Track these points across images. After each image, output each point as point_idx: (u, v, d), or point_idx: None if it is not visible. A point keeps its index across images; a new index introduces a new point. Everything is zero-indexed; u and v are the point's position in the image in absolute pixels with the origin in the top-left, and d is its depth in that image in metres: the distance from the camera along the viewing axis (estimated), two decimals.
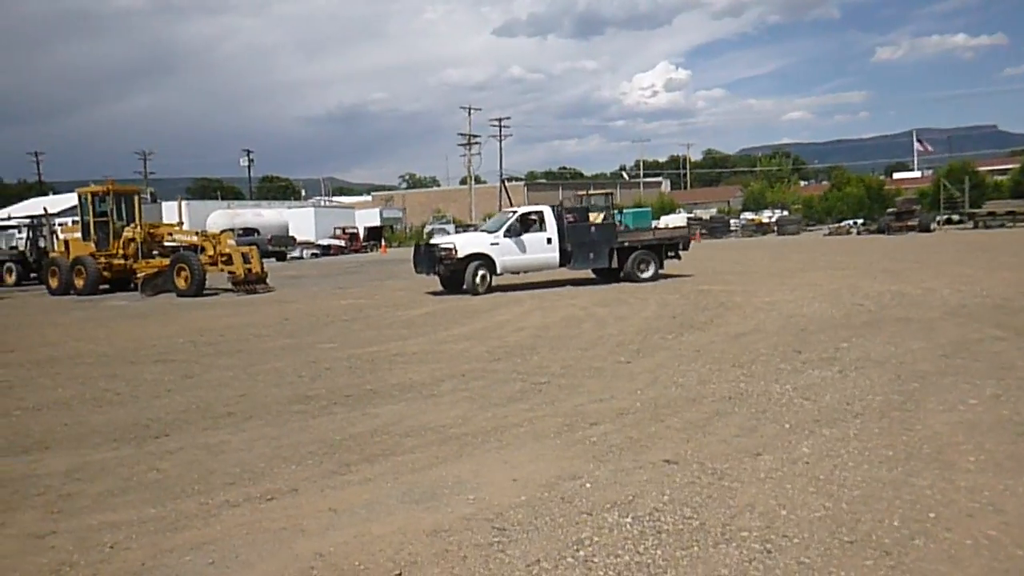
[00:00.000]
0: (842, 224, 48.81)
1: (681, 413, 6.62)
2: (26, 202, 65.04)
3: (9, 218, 44.87)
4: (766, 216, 57.74)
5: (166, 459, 5.99)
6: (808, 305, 13.20)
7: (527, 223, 18.91)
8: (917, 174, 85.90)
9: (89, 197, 25.03)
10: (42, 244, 30.62)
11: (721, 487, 4.81)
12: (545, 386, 7.94)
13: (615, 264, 19.34)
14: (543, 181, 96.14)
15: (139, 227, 24.29)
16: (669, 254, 20.09)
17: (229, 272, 22.07)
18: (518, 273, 19.52)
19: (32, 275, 30.29)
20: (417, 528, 4.38)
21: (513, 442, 6.02)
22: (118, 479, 5.56)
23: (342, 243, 52.15)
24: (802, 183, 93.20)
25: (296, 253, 47.10)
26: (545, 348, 10.31)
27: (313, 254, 48.44)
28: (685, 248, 20.63)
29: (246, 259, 22.06)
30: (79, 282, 23.97)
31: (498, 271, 18.52)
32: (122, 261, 24.32)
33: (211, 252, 22.27)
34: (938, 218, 46.01)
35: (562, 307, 14.84)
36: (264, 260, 23.77)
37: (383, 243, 54.36)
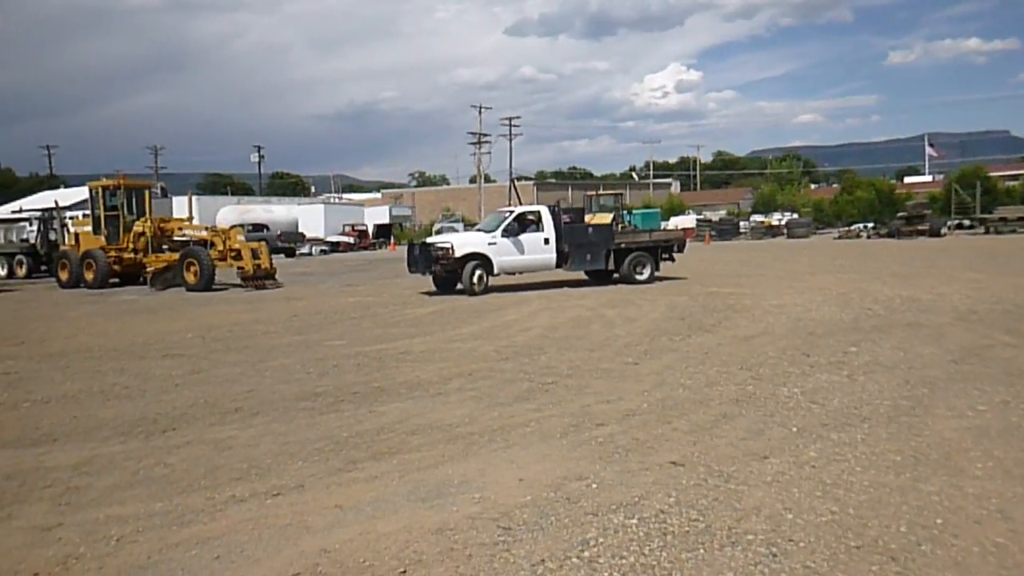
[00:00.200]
0: (852, 228, 48.61)
1: (688, 415, 6.60)
2: (37, 195, 65.31)
3: (20, 211, 45.10)
4: (776, 219, 57.57)
5: (173, 454, 6.02)
6: (817, 308, 13.15)
7: (524, 223, 18.62)
8: (928, 178, 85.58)
9: (100, 191, 25.13)
10: (53, 237, 30.77)
11: (728, 490, 4.80)
12: (552, 386, 7.94)
13: (612, 265, 19.15)
14: (553, 181, 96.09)
15: (149, 221, 24.38)
16: (664, 256, 19.90)
17: (238, 267, 22.13)
18: (514, 274, 19.28)
19: (43, 268, 30.45)
20: (423, 526, 4.39)
21: (519, 442, 6.02)
22: (125, 473, 5.59)
23: (351, 240, 52.23)
24: (812, 186, 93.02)
25: (305, 250, 47.20)
26: (553, 348, 10.31)
27: (322, 251, 48.52)
28: (680, 250, 20.47)
29: (255, 255, 22.10)
30: (89, 275, 24.08)
31: (495, 271, 18.25)
32: (132, 255, 24.42)
33: (221, 247, 22.33)
34: (949, 223, 45.77)
35: (570, 308, 14.83)
36: (273, 256, 23.81)
37: (392, 241, 54.43)
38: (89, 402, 8.00)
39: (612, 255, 19.08)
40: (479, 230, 19.71)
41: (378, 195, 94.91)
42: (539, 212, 18.98)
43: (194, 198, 29.99)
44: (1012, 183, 58.09)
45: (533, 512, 4.54)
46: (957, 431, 5.86)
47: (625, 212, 45.04)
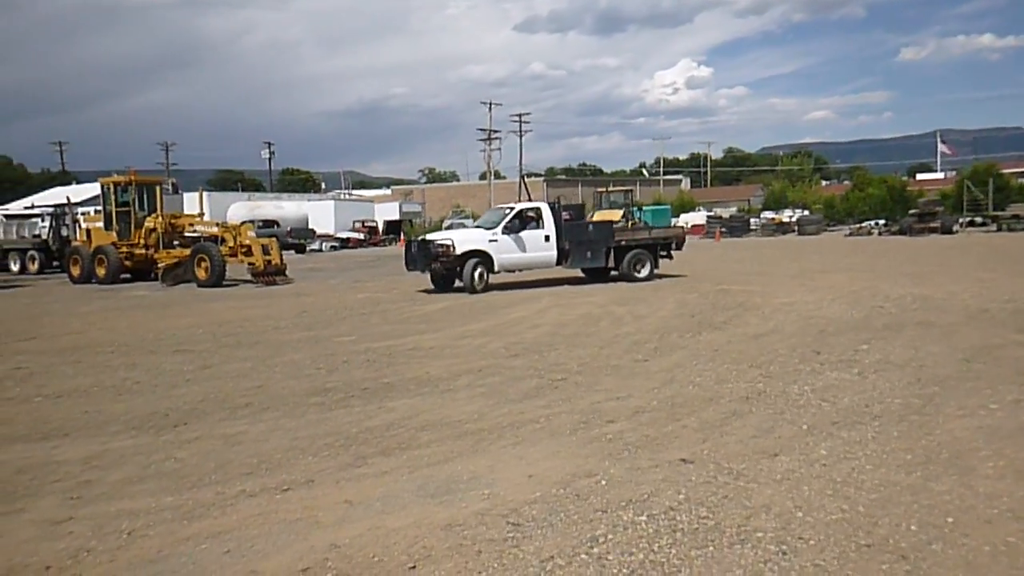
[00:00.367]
0: (863, 225, 48.35)
1: (698, 412, 6.59)
2: (49, 191, 65.76)
3: (32, 207, 45.36)
4: (786, 215, 57.31)
5: (184, 448, 6.05)
6: (828, 306, 13.10)
7: (525, 220, 18.38)
8: (940, 175, 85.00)
9: (112, 187, 25.26)
10: (65, 233, 30.91)
11: (737, 487, 4.79)
12: (562, 383, 7.93)
13: (611, 263, 18.95)
14: (563, 177, 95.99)
15: (160, 217, 24.49)
16: (662, 254, 19.73)
17: (249, 263, 22.20)
18: (513, 272, 19.09)
19: (54, 263, 30.60)
20: (432, 522, 4.39)
21: (529, 438, 6.02)
22: (136, 467, 5.62)
23: (361, 236, 52.31)
24: (823, 183, 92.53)
25: (315, 246, 47.29)
26: (562, 345, 10.30)
27: (332, 247, 48.61)
28: (678, 248, 20.32)
29: (266, 251, 22.18)
30: (100, 271, 24.21)
31: (495, 269, 17.99)
32: (143, 251, 24.54)
33: (231, 243, 22.40)
34: (961, 220, 45.47)
35: (579, 305, 14.82)
36: (283, 252, 23.87)
37: (401, 237, 54.48)
38: (100, 397, 8.04)
39: (612, 252, 18.91)
40: (478, 227, 19.45)
41: (388, 191, 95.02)
42: (539, 209, 18.77)
43: (205, 194, 30.07)
44: None
45: (542, 508, 4.54)
46: (968, 430, 5.83)
47: (635, 209, 44.90)
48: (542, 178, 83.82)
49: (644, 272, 18.99)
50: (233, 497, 4.93)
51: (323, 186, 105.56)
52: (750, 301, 14.17)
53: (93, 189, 37.86)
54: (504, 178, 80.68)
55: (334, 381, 8.39)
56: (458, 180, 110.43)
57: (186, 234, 24.51)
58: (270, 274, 21.92)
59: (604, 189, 47.98)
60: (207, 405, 7.47)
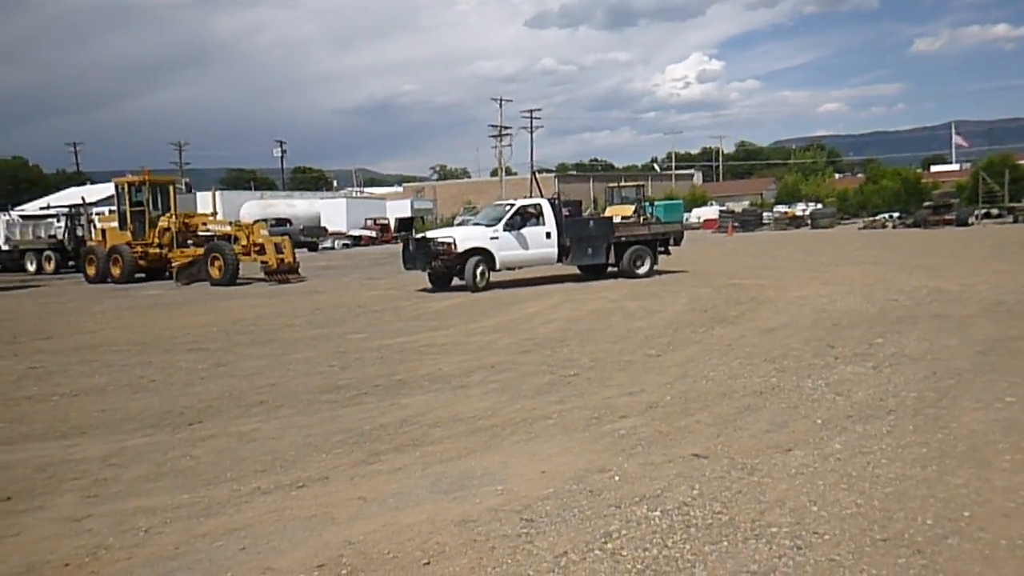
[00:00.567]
0: (877, 218, 48.05)
1: (711, 407, 6.57)
2: (64, 191, 66.18)
3: (48, 207, 45.70)
4: (799, 209, 57.01)
5: (199, 446, 6.09)
6: (841, 300, 13.03)
7: (525, 216, 18.05)
8: (955, 167, 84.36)
9: (126, 187, 25.42)
10: (80, 233, 31.14)
11: (751, 482, 4.78)
12: (574, 379, 7.93)
13: (612, 259, 18.70)
14: (574, 173, 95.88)
15: (174, 217, 24.63)
16: (660, 249, 19.51)
17: (262, 262, 22.30)
18: (514, 269, 18.72)
19: (70, 263, 30.84)
20: (445, 518, 4.40)
21: (542, 434, 6.02)
22: (152, 465, 5.66)
23: (373, 234, 52.42)
24: (837, 176, 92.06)
25: (327, 243, 47.44)
26: (574, 341, 10.30)
27: (344, 244, 48.76)
28: (677, 243, 20.16)
29: (278, 249, 22.27)
30: (115, 270, 24.38)
31: (497, 267, 17.64)
32: (157, 250, 24.69)
33: (244, 242, 22.50)
34: (976, 212, 45.09)
35: (591, 300, 14.80)
36: (296, 250, 23.97)
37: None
38: (116, 395, 8.11)
39: (612, 249, 18.66)
40: (476, 224, 19.06)
41: (400, 189, 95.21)
42: (540, 205, 18.45)
43: (218, 193, 30.22)
44: None
45: (555, 504, 4.54)
46: (984, 423, 5.78)
47: (647, 204, 44.78)
48: (553, 174, 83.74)
49: (644, 268, 18.77)
50: (248, 494, 4.95)
51: (335, 184, 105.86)
52: (763, 295, 14.11)
53: (107, 189, 38.10)
54: (516, 174, 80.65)
55: (347, 378, 8.42)
56: (469, 177, 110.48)
57: (199, 233, 24.64)
58: (283, 272, 22.01)
59: (616, 184, 47.92)
60: (222, 403, 7.51)
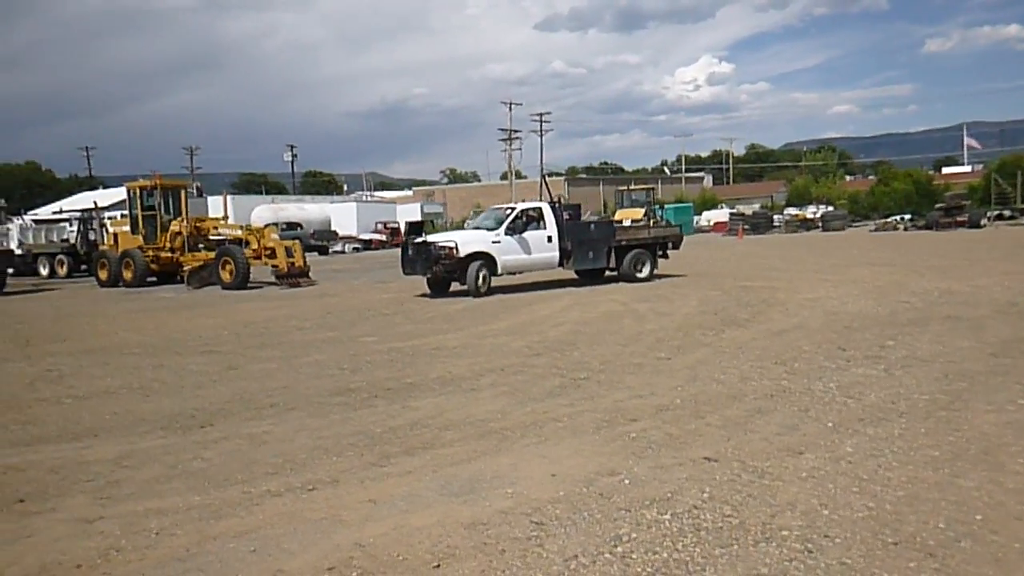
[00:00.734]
0: (889, 220, 47.82)
1: (722, 410, 6.56)
2: (77, 196, 66.64)
3: (61, 212, 46.05)
4: (810, 211, 56.79)
5: (210, 448, 6.11)
6: (853, 302, 12.98)
7: (527, 220, 17.74)
8: (967, 168, 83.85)
9: (137, 191, 25.57)
10: (92, 237, 31.35)
11: (762, 485, 4.76)
12: (584, 381, 7.93)
13: (612, 263, 18.49)
14: (584, 176, 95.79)
15: (186, 221, 24.76)
16: (659, 253, 19.31)
17: (273, 266, 22.38)
18: (515, 274, 18.35)
19: (83, 267, 31.04)
20: (455, 521, 4.41)
21: (552, 437, 6.02)
22: (164, 467, 5.69)
23: (383, 237, 52.52)
24: (848, 178, 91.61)
25: (338, 247, 47.56)
26: (584, 343, 10.29)
27: (355, 248, 48.87)
28: (675, 247, 19.95)
29: (289, 253, 22.35)
30: (127, 274, 24.52)
31: (499, 271, 17.31)
32: (169, 254, 24.82)
33: (255, 246, 22.60)
34: (989, 214, 44.81)
35: (602, 303, 14.79)
36: (306, 254, 24.05)
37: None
38: (128, 397, 8.15)
39: (613, 252, 18.45)
40: (476, 228, 18.65)
41: (410, 192, 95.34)
42: (541, 209, 18.13)
43: (229, 197, 30.36)
44: None
45: (566, 507, 4.54)
46: (997, 426, 5.75)
47: (657, 207, 44.74)
48: (564, 177, 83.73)
49: (645, 272, 18.58)
50: (259, 496, 4.97)
51: (345, 188, 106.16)
52: (774, 297, 14.07)
53: (120, 194, 38.39)
54: (525, 177, 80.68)
55: (358, 381, 8.44)
56: (479, 180, 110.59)
57: (211, 237, 24.77)
58: (294, 276, 22.08)
59: (626, 188, 47.88)
60: (233, 405, 7.54)
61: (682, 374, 8.07)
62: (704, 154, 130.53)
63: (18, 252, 30.55)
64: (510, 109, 76.55)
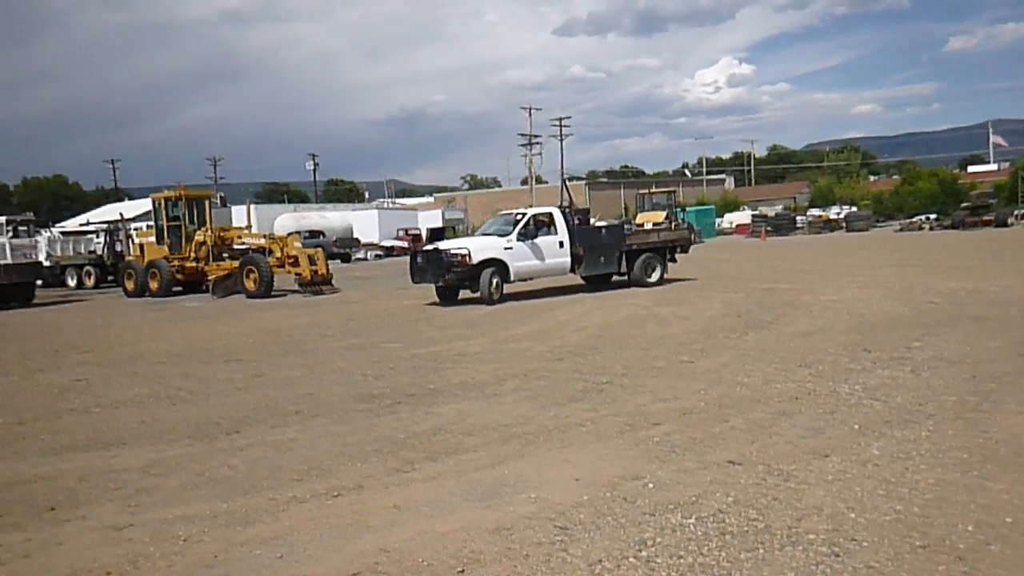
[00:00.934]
0: (914, 220, 47.34)
1: (746, 413, 6.52)
2: (103, 208, 67.54)
3: (88, 223, 46.69)
4: (834, 212, 56.36)
5: (236, 455, 6.17)
6: (878, 303, 12.85)
7: (538, 225, 17.46)
8: (993, 167, 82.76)
9: (162, 202, 25.88)
10: (119, 248, 31.74)
11: (787, 489, 4.73)
12: (607, 386, 7.91)
13: (623, 268, 18.26)
14: (604, 180, 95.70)
15: (210, 231, 25.00)
16: (668, 257, 19.11)
17: (296, 274, 22.54)
18: (526, 280, 18.02)
19: (109, 278, 31.42)
20: (480, 526, 4.42)
21: (575, 442, 6.02)
22: (191, 474, 5.75)
23: (405, 244, 52.73)
24: (872, 178, 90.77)
25: (360, 254, 47.82)
26: (607, 348, 10.27)
27: (376, 255, 49.10)
28: (684, 251, 19.72)
29: (312, 261, 22.49)
30: (153, 284, 24.79)
31: (511, 278, 16.98)
32: (194, 264, 25.07)
33: (278, 254, 22.76)
34: (1016, 212, 44.19)
35: (624, 306, 14.76)
36: (329, 261, 24.20)
37: None
38: (156, 406, 8.24)
39: (624, 257, 18.24)
40: (484, 234, 18.42)
41: (431, 199, 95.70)
42: (551, 214, 17.94)
43: (252, 207, 30.72)
44: None
45: (590, 512, 4.54)
46: None
47: (679, 209, 44.57)
48: (584, 181, 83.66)
49: (655, 276, 18.36)
50: (285, 503, 5.01)
51: (367, 195, 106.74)
52: (798, 299, 13.97)
53: (145, 205, 38.86)
54: (546, 183, 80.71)
55: (381, 387, 8.48)
56: (500, 186, 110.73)
57: (235, 246, 24.99)
58: (317, 283, 22.22)
59: (647, 191, 47.75)
60: (258, 413, 7.60)
61: (705, 377, 8.04)
62: (725, 156, 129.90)
63: (46, 264, 30.98)
64: (530, 114, 76.65)
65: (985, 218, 40.27)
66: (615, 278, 18.81)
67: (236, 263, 23.61)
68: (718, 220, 57.52)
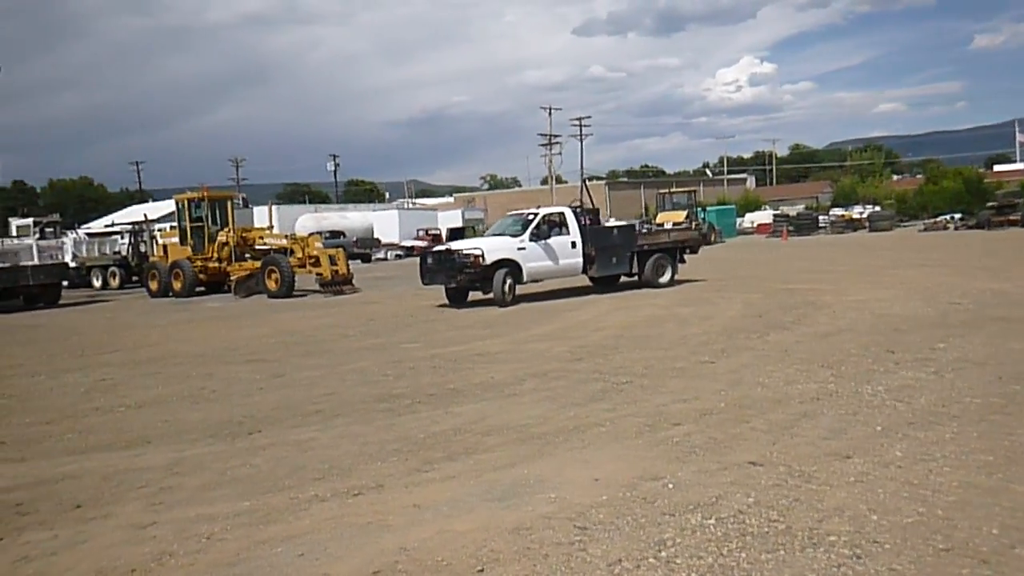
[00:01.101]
0: (938, 219, 46.78)
1: (766, 414, 6.48)
2: (128, 209, 68.30)
3: (112, 225, 47.24)
4: (857, 212, 55.80)
5: (258, 455, 6.22)
6: (901, 304, 12.73)
7: (550, 226, 17.18)
8: (1020, 166, 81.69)
9: (186, 203, 26.12)
10: (143, 249, 32.07)
11: (808, 490, 4.70)
12: (627, 386, 7.90)
13: (635, 269, 18.07)
14: (624, 180, 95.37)
15: (232, 231, 25.18)
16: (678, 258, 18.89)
17: (317, 274, 22.66)
18: (539, 281, 17.78)
19: (134, 278, 31.75)
20: (499, 525, 4.43)
21: (594, 442, 6.01)
22: (214, 473, 5.81)
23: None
24: (895, 177, 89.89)
25: (381, 255, 48.03)
26: (627, 348, 10.25)
27: (397, 255, 49.27)
28: (694, 252, 19.52)
29: (333, 261, 22.60)
30: (177, 285, 25.02)
31: (524, 279, 16.68)
32: (217, 264, 25.26)
33: (300, 255, 22.91)
34: None
35: (644, 307, 14.71)
36: (350, 262, 24.31)
37: None
38: (179, 406, 8.33)
39: (635, 257, 18.04)
40: (494, 235, 18.18)
41: (451, 199, 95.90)
42: (563, 214, 17.67)
43: (274, 207, 30.87)
44: None
45: (609, 512, 4.54)
46: None
47: (699, 209, 44.34)
48: (604, 181, 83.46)
49: (666, 277, 18.16)
50: (306, 502, 5.05)
51: (387, 196, 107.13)
52: (819, 300, 13.86)
53: (168, 206, 39.30)
54: (566, 182, 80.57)
55: (401, 387, 8.51)
56: (520, 186, 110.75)
57: (256, 247, 25.16)
58: (337, 284, 22.33)
59: (667, 190, 47.56)
60: (280, 412, 7.66)
61: (726, 378, 8.00)
62: (746, 155, 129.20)
63: (72, 265, 31.37)
64: (550, 114, 76.58)
65: (1011, 218, 39.68)
66: (622, 279, 18.64)
67: (258, 263, 23.76)
68: (739, 220, 57.16)
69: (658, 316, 13.29)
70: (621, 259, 17.96)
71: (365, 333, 13.42)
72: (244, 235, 25.54)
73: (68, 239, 34.66)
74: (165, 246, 27.03)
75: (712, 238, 40.89)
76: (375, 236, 51.39)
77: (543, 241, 16.91)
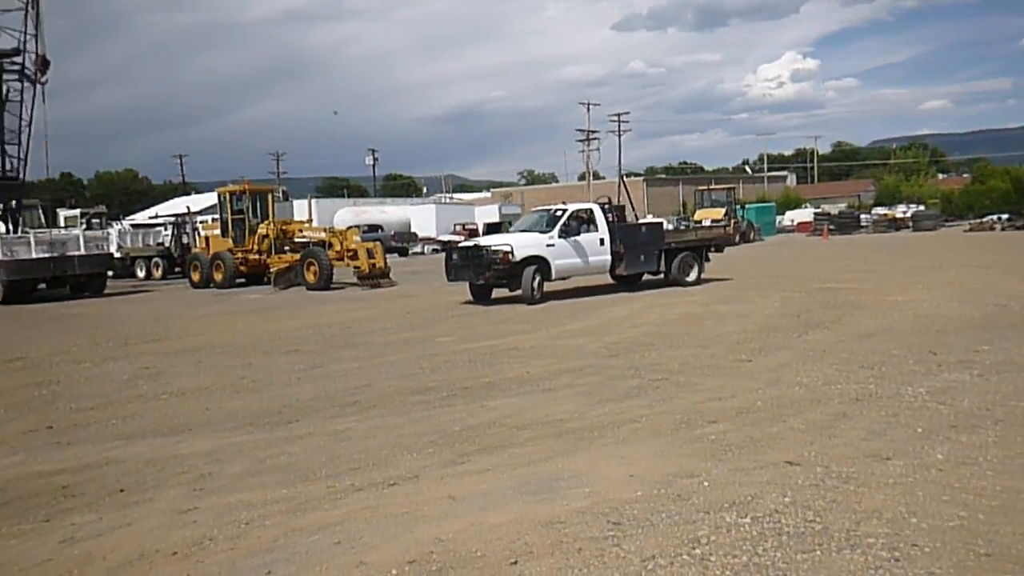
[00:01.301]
0: (985, 220, 45.71)
1: (804, 414, 6.41)
2: (171, 201, 69.50)
3: (156, 216, 48.11)
4: (900, 211, 54.76)
5: (296, 444, 6.31)
6: (945, 304, 12.48)
7: (579, 222, 16.89)
8: None
9: (227, 196, 26.49)
10: (185, 241, 32.63)
11: (846, 491, 4.65)
12: (662, 383, 7.86)
13: (662, 267, 17.83)
14: (663, 176, 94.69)
15: (272, 224, 25.50)
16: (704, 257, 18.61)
17: (354, 267, 22.87)
18: (567, 279, 17.35)
19: (176, 269, 32.33)
20: (533, 519, 4.45)
21: (629, 438, 6.00)
22: (253, 461, 5.91)
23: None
24: (940, 176, 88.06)
25: (417, 249, 48.25)
26: (663, 344, 10.20)
27: (434, 249, 49.40)
28: (720, 250, 19.19)
29: (370, 254, 22.78)
30: (218, 276, 25.41)
31: (552, 276, 16.35)
32: (257, 256, 25.60)
33: (338, 248, 23.13)
34: None
35: (681, 304, 14.62)
36: (387, 255, 24.47)
37: None
38: (219, 394, 8.48)
39: (663, 255, 17.79)
40: (520, 230, 17.85)
41: (488, 194, 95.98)
42: (592, 210, 17.41)
43: (313, 201, 31.22)
44: None
45: (643, 508, 4.53)
46: None
47: (738, 207, 43.88)
48: (642, 177, 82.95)
49: (693, 276, 17.93)
50: (342, 491, 5.12)
51: (424, 190, 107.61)
52: (860, 299, 13.65)
53: (211, 199, 39.89)
54: (603, 178, 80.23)
55: (436, 380, 8.57)
56: (557, 181, 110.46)
57: (296, 240, 25.46)
58: (375, 277, 22.50)
59: (706, 188, 47.11)
60: (317, 403, 7.76)
61: (763, 377, 7.92)
62: (787, 152, 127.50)
63: (117, 255, 32.05)
64: (588, 110, 76.19)
65: None
66: (644, 277, 18.42)
67: (297, 256, 24.04)
68: (779, 218, 56.45)
69: (694, 314, 13.20)
70: (649, 257, 17.70)
71: (401, 326, 13.52)
72: (284, 228, 25.85)
73: (113, 230, 35.38)
74: (207, 238, 27.48)
75: (751, 236, 40.45)
76: (412, 230, 51.64)
77: (572, 238, 16.63)
